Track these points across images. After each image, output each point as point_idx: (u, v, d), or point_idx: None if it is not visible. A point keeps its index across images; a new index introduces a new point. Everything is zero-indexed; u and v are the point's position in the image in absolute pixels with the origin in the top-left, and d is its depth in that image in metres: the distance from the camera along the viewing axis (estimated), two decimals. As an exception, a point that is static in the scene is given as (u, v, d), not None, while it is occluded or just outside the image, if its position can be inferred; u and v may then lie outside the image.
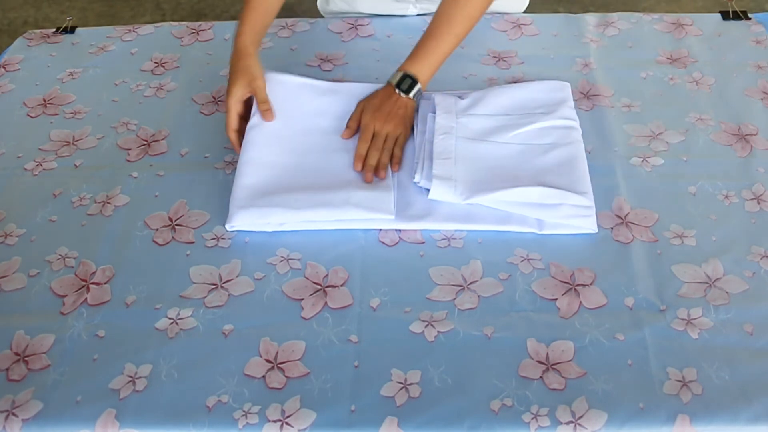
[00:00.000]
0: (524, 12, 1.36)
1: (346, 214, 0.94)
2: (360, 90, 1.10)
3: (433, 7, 1.31)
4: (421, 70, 1.05)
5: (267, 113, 1.04)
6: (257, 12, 1.10)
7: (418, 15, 1.33)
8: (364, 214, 0.94)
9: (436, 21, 1.07)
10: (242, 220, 0.94)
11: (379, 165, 1.00)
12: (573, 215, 0.93)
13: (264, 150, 1.01)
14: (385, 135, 1.02)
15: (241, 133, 1.05)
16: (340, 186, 0.96)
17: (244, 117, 1.06)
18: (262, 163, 1.00)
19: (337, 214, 0.94)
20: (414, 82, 1.04)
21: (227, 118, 1.04)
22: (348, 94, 1.10)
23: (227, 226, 0.95)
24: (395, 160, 1.01)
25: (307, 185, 0.97)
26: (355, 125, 1.04)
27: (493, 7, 1.31)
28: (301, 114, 1.07)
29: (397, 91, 1.04)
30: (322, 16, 1.42)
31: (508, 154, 1.00)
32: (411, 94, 1.04)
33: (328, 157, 1.02)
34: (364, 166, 1.00)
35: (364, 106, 1.05)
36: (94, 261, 0.94)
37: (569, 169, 0.97)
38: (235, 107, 1.04)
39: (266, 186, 0.97)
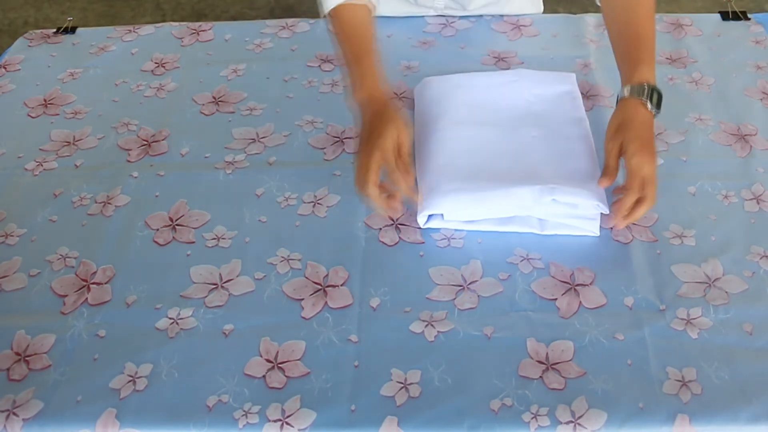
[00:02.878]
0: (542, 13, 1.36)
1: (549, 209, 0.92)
2: (510, 76, 1.11)
3: (452, 12, 1.31)
4: (653, 77, 0.94)
5: (407, 176, 0.92)
6: (371, 51, 0.99)
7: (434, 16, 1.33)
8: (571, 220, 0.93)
9: (630, 24, 0.98)
10: (434, 208, 0.93)
11: (630, 216, 0.89)
12: (579, 216, 0.93)
13: (439, 148, 1.00)
14: (654, 172, 0.87)
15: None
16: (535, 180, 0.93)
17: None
18: (446, 161, 0.98)
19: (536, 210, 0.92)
20: (660, 95, 0.93)
21: (368, 172, 0.89)
22: (503, 83, 1.10)
23: (420, 220, 0.94)
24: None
25: (497, 176, 0.95)
26: (615, 164, 0.90)
27: (510, 10, 1.31)
28: (466, 111, 1.07)
29: (649, 107, 0.91)
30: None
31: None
32: (661, 108, 0.93)
33: (508, 151, 1.00)
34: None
35: (623, 140, 0.89)
36: (94, 261, 0.94)
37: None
38: (378, 161, 0.89)
39: (456, 176, 0.96)
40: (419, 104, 1.11)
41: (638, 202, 0.88)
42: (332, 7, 1.06)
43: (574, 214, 0.93)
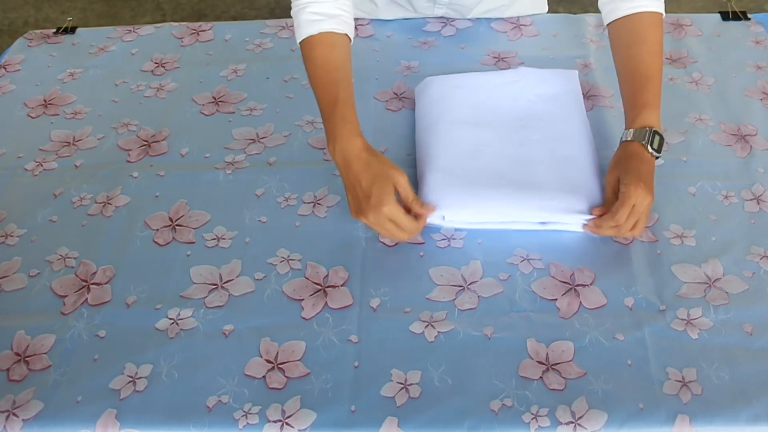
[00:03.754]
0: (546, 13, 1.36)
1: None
2: (512, 76, 1.11)
3: (452, 14, 1.31)
4: (656, 120, 0.95)
5: (425, 209, 0.91)
6: (352, 101, 0.95)
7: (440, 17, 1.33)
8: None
9: (634, 66, 0.98)
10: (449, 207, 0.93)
11: (625, 235, 0.90)
12: (577, 211, 0.93)
13: (440, 148, 1.01)
14: (646, 206, 0.88)
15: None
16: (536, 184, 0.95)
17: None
18: (450, 164, 0.98)
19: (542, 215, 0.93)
20: (662, 138, 0.94)
21: (401, 220, 0.88)
22: (503, 84, 1.10)
23: (441, 218, 0.94)
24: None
25: (503, 177, 0.96)
26: (613, 197, 0.91)
27: (515, 11, 1.31)
28: (466, 111, 1.07)
29: (650, 150, 0.92)
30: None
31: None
32: (662, 152, 0.93)
33: (509, 153, 1.00)
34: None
35: (621, 174, 0.90)
36: (94, 261, 0.94)
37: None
38: (398, 209, 0.88)
39: (462, 177, 0.96)
40: (420, 104, 1.11)
41: (623, 226, 0.89)
42: (308, 35, 0.97)
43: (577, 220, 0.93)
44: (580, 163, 0.99)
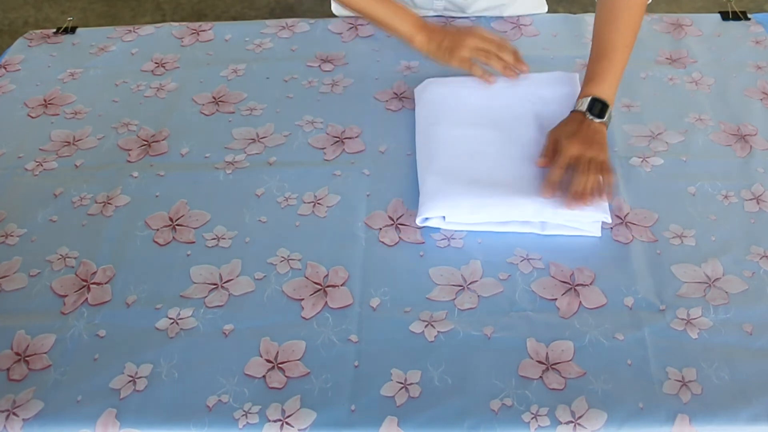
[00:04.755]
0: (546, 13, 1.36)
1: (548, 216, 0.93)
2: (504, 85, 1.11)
3: (452, 8, 1.31)
4: (606, 90, 1.00)
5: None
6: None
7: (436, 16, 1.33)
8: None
9: (602, 39, 1.03)
10: (435, 211, 0.93)
11: (585, 191, 0.92)
12: (581, 217, 0.93)
13: (440, 149, 1.01)
14: (588, 159, 0.94)
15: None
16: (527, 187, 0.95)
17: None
18: (444, 161, 0.99)
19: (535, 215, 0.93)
20: (605, 105, 0.99)
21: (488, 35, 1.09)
22: (501, 91, 1.10)
23: (418, 221, 0.94)
24: (608, 189, 0.93)
25: (495, 181, 0.96)
26: (551, 155, 0.97)
27: (515, 10, 1.31)
28: (468, 115, 1.07)
29: (589, 116, 0.98)
30: (321, 17, 1.42)
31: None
32: (605, 118, 0.99)
33: (507, 155, 1.01)
34: (560, 191, 0.93)
35: (556, 135, 0.98)
36: (94, 261, 0.94)
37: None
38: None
39: (456, 178, 0.96)
40: (420, 106, 1.11)
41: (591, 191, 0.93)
42: None
43: (575, 219, 0.93)
44: None
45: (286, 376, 0.81)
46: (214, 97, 1.18)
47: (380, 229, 0.95)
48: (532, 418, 0.76)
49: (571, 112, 1.01)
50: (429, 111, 1.09)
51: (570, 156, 0.94)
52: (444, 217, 0.94)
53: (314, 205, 0.99)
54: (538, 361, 0.81)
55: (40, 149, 1.10)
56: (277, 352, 0.83)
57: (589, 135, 0.97)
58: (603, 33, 1.04)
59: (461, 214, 0.94)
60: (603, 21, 1.05)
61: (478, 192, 0.94)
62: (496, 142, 1.03)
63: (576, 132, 0.97)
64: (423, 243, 0.94)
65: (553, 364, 0.81)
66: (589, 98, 1.00)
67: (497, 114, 1.07)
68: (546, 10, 1.36)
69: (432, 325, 0.84)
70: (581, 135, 0.97)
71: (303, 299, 0.88)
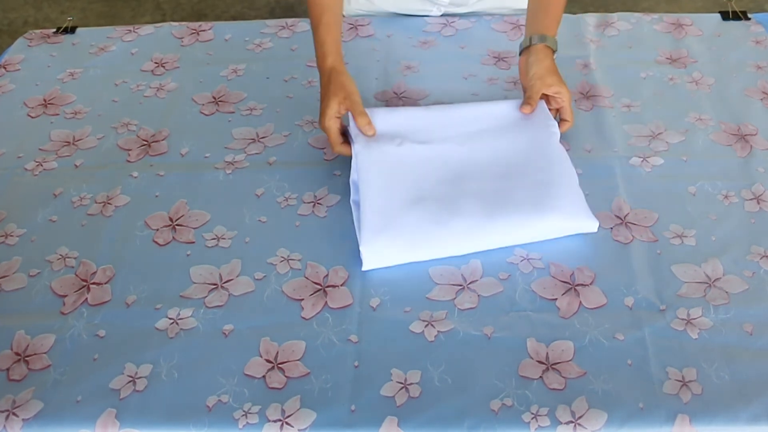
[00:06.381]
0: None
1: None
2: (458, 112, 1.05)
3: (455, 9, 1.31)
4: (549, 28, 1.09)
5: (367, 127, 1.00)
6: (332, 29, 1.06)
7: (441, 15, 1.33)
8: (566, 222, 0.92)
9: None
10: (376, 261, 0.90)
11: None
12: (571, 217, 0.92)
13: (379, 179, 0.96)
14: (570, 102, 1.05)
15: (346, 142, 1.01)
16: (480, 212, 0.92)
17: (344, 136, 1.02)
18: (383, 192, 0.94)
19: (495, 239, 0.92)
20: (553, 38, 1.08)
21: (330, 137, 1.00)
22: (446, 117, 1.04)
23: (363, 269, 0.90)
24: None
25: (439, 212, 0.92)
26: (537, 99, 1.04)
27: (511, 4, 1.32)
28: (407, 141, 1.01)
29: (555, 54, 1.07)
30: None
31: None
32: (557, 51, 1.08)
33: (451, 184, 0.96)
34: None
35: (541, 77, 1.04)
36: (94, 261, 0.94)
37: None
38: (335, 124, 1.00)
39: (399, 220, 0.92)
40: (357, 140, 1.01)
41: (563, 123, 1.05)
42: None
43: (566, 225, 0.93)
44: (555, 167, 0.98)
45: (286, 376, 0.81)
46: (213, 97, 1.18)
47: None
48: (532, 418, 0.76)
49: (533, 45, 1.06)
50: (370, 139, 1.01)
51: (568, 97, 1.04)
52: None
53: (314, 205, 0.99)
54: (538, 361, 0.81)
55: (40, 149, 1.10)
56: (277, 352, 0.83)
57: (558, 71, 1.05)
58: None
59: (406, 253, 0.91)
60: None
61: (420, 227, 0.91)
62: (446, 154, 0.99)
63: (555, 70, 1.05)
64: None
65: (553, 364, 0.80)
66: (539, 36, 1.07)
67: (445, 129, 1.03)
68: None
69: (432, 325, 0.84)
70: (559, 76, 1.05)
71: (303, 299, 0.88)
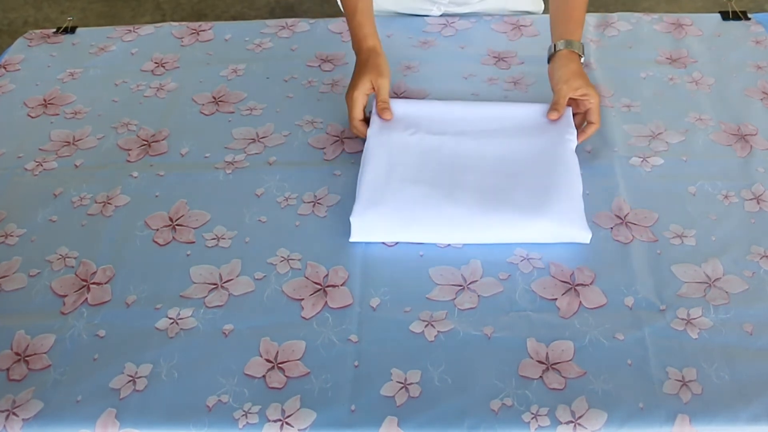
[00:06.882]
0: (543, 12, 1.36)
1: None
2: (480, 110, 1.07)
3: (455, 9, 1.31)
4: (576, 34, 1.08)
5: (385, 112, 1.04)
6: (370, 14, 1.10)
7: (441, 15, 1.33)
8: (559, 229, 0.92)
9: (565, 8, 1.10)
10: (364, 234, 0.93)
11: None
12: (564, 224, 0.92)
13: (383, 160, 0.99)
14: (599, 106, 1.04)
15: (365, 123, 1.05)
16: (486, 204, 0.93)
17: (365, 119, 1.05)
18: (384, 172, 0.97)
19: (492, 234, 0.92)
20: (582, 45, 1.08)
21: (352, 111, 1.04)
22: (468, 113, 1.06)
23: (351, 240, 0.93)
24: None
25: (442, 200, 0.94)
26: (564, 103, 1.03)
27: (512, 5, 1.32)
28: (421, 132, 1.03)
29: (574, 48, 1.06)
30: (321, 17, 1.42)
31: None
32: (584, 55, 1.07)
33: (452, 174, 0.98)
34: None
35: (566, 81, 1.03)
36: (94, 261, 0.94)
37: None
38: (361, 100, 1.04)
39: (394, 199, 0.94)
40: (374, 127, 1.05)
41: (589, 125, 1.04)
42: None
43: (558, 231, 0.92)
44: (559, 168, 0.98)
45: (286, 376, 0.81)
46: (214, 97, 1.18)
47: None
48: (532, 418, 0.76)
49: (561, 51, 1.05)
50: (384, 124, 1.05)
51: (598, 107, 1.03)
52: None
53: (314, 205, 0.99)
54: (538, 361, 0.81)
55: (40, 149, 1.10)
56: (277, 352, 0.83)
57: (587, 77, 1.05)
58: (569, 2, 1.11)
59: (397, 234, 0.93)
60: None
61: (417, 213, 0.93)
62: (454, 146, 1.01)
63: (584, 74, 1.04)
64: (423, 243, 0.93)
65: (553, 364, 0.80)
66: (565, 42, 1.06)
67: (454, 123, 1.05)
68: (542, 9, 1.36)
69: (432, 325, 0.84)
70: (588, 81, 1.04)
71: (303, 299, 0.88)
